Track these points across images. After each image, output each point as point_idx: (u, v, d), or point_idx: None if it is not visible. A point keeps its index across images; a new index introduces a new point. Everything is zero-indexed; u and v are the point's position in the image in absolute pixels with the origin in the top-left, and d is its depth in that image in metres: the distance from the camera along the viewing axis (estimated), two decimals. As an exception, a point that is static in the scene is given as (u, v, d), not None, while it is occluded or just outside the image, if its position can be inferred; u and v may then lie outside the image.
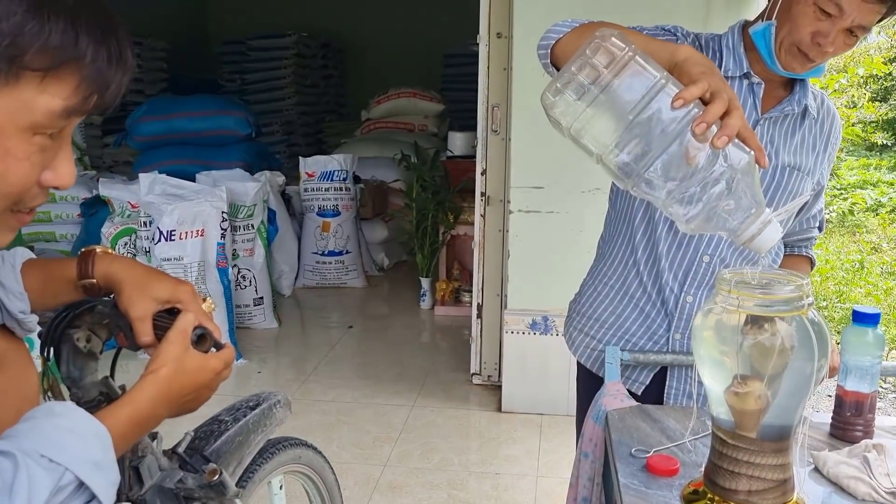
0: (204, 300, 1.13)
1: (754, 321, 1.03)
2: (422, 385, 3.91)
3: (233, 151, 5.56)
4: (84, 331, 1.19)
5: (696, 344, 1.10)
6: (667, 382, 1.64)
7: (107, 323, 1.16)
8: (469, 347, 3.91)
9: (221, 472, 1.40)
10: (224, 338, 3.93)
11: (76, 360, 1.20)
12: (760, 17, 1.50)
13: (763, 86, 1.49)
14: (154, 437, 1.39)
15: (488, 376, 3.85)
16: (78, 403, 1.24)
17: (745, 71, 1.49)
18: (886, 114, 9.97)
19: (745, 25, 1.52)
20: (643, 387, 1.65)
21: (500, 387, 3.65)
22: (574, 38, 1.23)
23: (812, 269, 1.72)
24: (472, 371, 3.89)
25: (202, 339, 1.08)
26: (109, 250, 1.12)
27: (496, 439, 3.36)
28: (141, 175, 4.17)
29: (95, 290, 1.10)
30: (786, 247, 1.67)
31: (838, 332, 4.27)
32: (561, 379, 3.45)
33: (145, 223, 4.11)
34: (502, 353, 3.61)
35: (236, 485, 1.52)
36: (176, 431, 1.43)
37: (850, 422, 1.31)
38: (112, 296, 1.10)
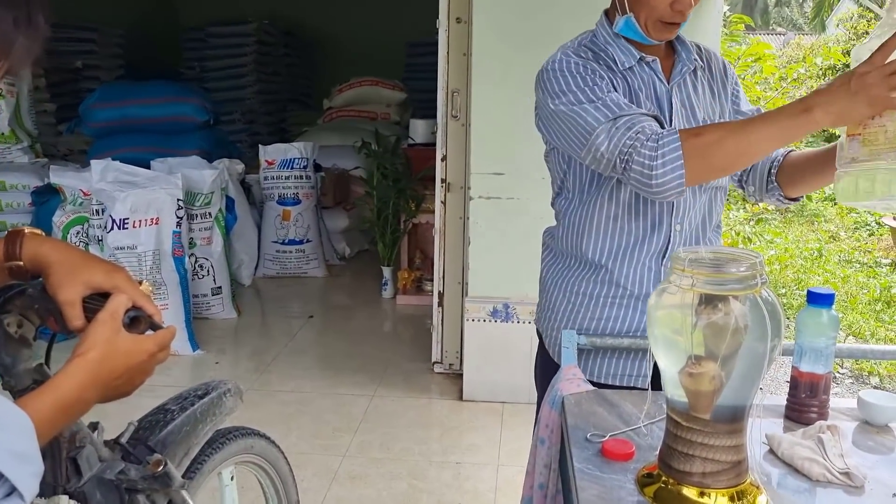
0: (140, 283, 1.08)
1: (708, 301, 1.01)
2: (382, 375, 3.87)
3: (190, 139, 5.45)
4: (14, 316, 1.13)
5: (650, 324, 1.08)
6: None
7: (37, 308, 1.10)
8: (431, 336, 3.88)
9: (166, 463, 1.35)
10: (180, 328, 3.82)
11: (7, 347, 1.14)
12: (612, 12, 1.57)
13: (658, 61, 1.56)
14: (94, 427, 1.34)
15: (450, 365, 3.83)
16: (11, 392, 1.19)
17: (638, 56, 1.54)
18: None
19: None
20: (647, 379, 1.57)
21: (461, 375, 3.62)
22: (699, 160, 1.34)
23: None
24: (434, 360, 3.87)
25: (135, 321, 1.03)
26: (39, 232, 1.07)
27: (457, 428, 3.34)
28: (93, 162, 4.06)
29: (23, 273, 1.04)
30: (773, 165, 1.61)
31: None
32: (522, 367, 3.42)
33: (97, 211, 4.01)
34: (464, 342, 3.58)
35: (183, 476, 1.47)
36: (120, 421, 1.38)
37: (805, 403, 1.30)
38: (41, 279, 1.05)
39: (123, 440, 1.39)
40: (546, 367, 1.69)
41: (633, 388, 1.55)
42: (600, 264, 1.59)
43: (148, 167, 4.35)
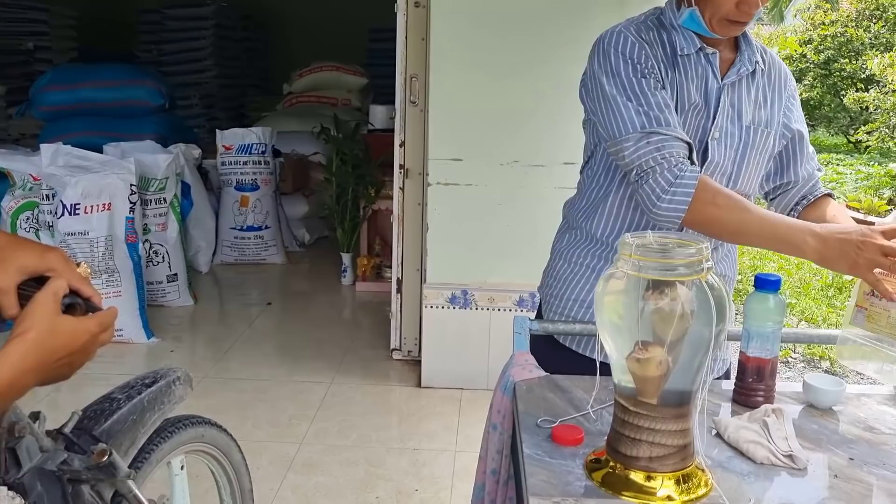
0: (78, 265, 1.04)
1: (655, 286, 1.01)
2: (341, 362, 3.85)
3: (145, 123, 5.34)
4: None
5: (597, 310, 1.08)
6: None
7: None
8: (389, 323, 3.86)
9: (111, 453, 1.32)
10: (134, 315, 3.74)
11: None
12: (677, 4, 1.54)
13: (718, 54, 1.53)
14: (36, 417, 1.30)
15: (408, 352, 3.82)
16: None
17: (699, 46, 1.52)
18: (802, 94, 10.29)
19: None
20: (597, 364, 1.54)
21: (419, 362, 3.62)
22: (699, 217, 1.42)
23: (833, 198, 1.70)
24: (393, 346, 3.85)
25: (71, 308, 1.00)
26: None
27: (415, 415, 3.33)
28: (43, 146, 3.96)
29: None
30: (803, 199, 1.67)
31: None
32: (480, 353, 3.44)
33: (48, 196, 3.91)
34: (422, 328, 3.58)
35: (130, 466, 1.44)
36: (65, 412, 1.35)
37: (751, 387, 1.32)
38: None
39: (67, 430, 1.36)
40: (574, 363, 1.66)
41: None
42: (607, 242, 1.62)
43: (100, 152, 4.25)
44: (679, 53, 1.52)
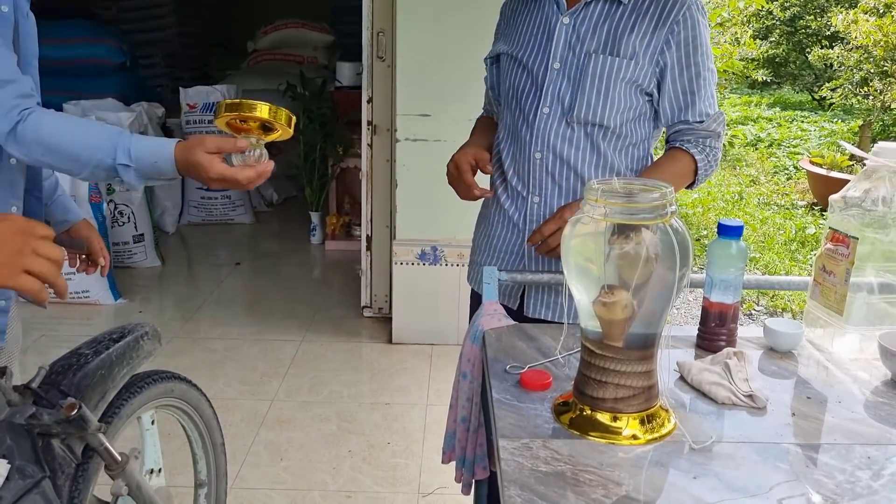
0: None
1: (620, 231, 1.03)
2: (311, 320, 3.85)
3: (106, 82, 5.23)
4: None
5: (564, 254, 1.09)
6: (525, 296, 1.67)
7: None
8: (360, 281, 3.87)
9: (81, 407, 1.32)
10: (100, 276, 3.64)
11: None
12: None
13: None
14: (2, 373, 1.30)
15: (379, 308, 3.83)
16: None
17: None
18: (767, 51, 10.33)
19: None
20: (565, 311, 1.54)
21: (390, 319, 3.63)
22: None
23: (697, 169, 1.58)
24: (363, 304, 3.86)
25: None
26: None
27: (387, 371, 3.36)
28: None
29: None
30: (667, 142, 1.65)
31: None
32: (450, 309, 3.46)
33: (8, 156, 3.82)
34: (392, 285, 3.58)
35: (100, 420, 1.44)
36: (32, 371, 1.34)
37: (714, 332, 1.34)
38: None
39: (34, 385, 1.35)
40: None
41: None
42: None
43: (60, 110, 4.15)
44: None
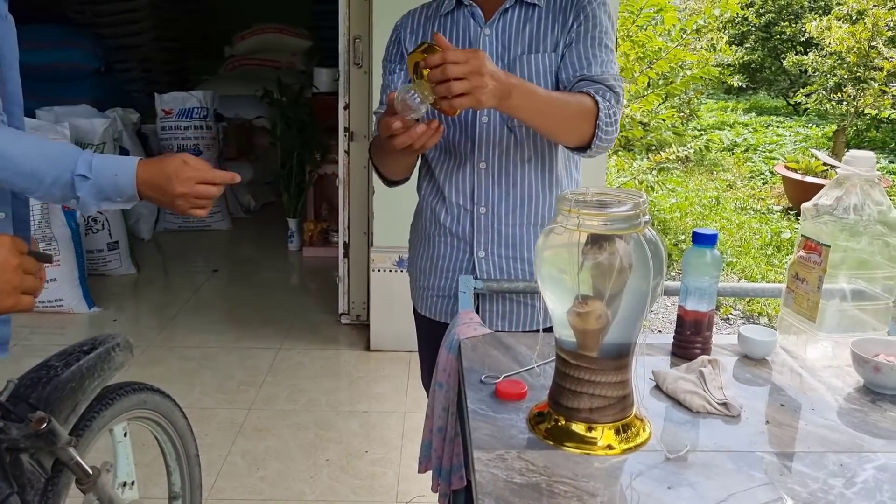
0: None
1: (594, 241, 1.03)
2: (289, 328, 3.83)
3: (81, 87, 5.19)
4: None
5: (538, 265, 1.09)
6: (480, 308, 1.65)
7: None
8: (337, 288, 3.85)
9: (50, 420, 1.30)
10: (74, 285, 3.64)
11: None
12: None
13: (477, 6, 1.57)
14: (-31, 386, 1.27)
15: (357, 316, 3.81)
16: None
17: (455, 2, 1.58)
18: (742, 57, 10.43)
19: None
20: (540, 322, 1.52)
21: (368, 326, 3.62)
22: None
23: (598, 115, 1.45)
24: (341, 311, 3.85)
25: None
26: None
27: (364, 378, 3.34)
28: (-29, 110, 3.80)
29: None
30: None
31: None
32: (429, 316, 3.44)
33: (-21, 163, 3.77)
34: (370, 292, 3.57)
35: (71, 434, 1.42)
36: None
37: (689, 340, 1.35)
38: None
39: (2, 399, 1.33)
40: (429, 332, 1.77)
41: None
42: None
43: (33, 116, 4.10)
44: (441, 13, 1.60)
